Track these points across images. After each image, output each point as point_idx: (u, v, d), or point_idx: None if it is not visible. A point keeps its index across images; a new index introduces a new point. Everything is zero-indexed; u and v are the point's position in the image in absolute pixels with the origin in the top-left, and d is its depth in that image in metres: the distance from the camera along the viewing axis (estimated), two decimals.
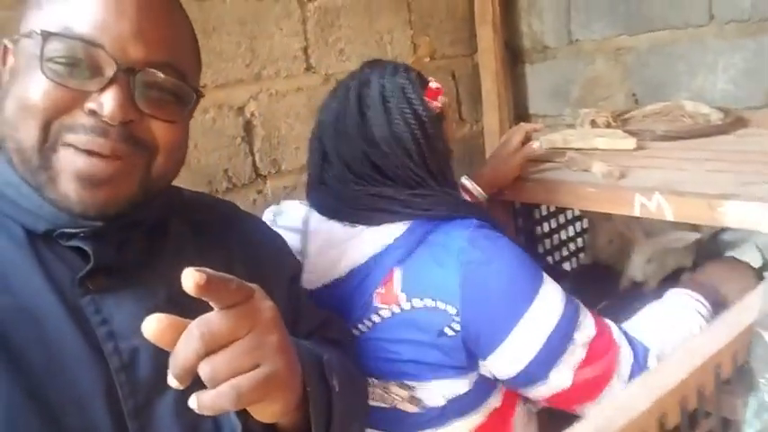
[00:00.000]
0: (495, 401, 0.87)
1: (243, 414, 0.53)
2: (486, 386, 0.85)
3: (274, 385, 0.48)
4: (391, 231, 0.82)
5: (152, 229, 0.64)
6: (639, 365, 0.80)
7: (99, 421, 0.53)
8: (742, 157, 1.00)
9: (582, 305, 0.83)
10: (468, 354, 0.80)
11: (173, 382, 0.45)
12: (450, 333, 0.79)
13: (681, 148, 1.12)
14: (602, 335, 0.81)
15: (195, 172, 1.19)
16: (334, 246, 0.85)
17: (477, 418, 0.85)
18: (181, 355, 0.44)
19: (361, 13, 1.45)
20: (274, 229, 0.86)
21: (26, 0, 0.59)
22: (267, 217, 0.97)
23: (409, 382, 0.82)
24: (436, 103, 0.89)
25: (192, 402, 0.45)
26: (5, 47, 0.59)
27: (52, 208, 0.56)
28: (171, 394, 0.57)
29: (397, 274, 0.80)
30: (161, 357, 0.55)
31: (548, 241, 1.39)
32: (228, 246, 0.69)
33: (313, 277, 0.86)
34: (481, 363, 0.82)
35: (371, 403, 0.84)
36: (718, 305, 0.87)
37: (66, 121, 0.54)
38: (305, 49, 1.36)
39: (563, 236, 1.43)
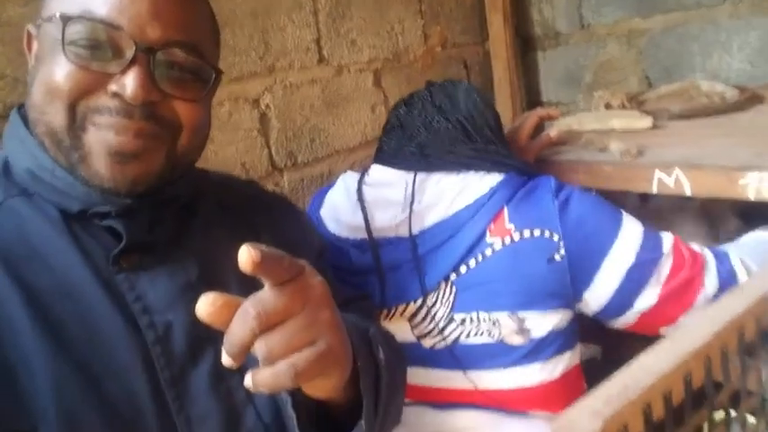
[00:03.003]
0: (575, 358, 0.96)
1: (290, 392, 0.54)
2: (575, 329, 0.94)
3: (330, 361, 0.48)
4: (492, 178, 0.93)
5: (181, 208, 0.66)
6: (725, 266, 0.88)
7: (139, 390, 0.55)
8: (760, 132, 1.00)
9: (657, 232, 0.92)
10: (573, 278, 0.89)
11: (227, 360, 0.44)
12: (558, 258, 0.88)
13: (698, 126, 1.11)
14: (680, 242, 0.90)
15: (212, 165, 1.19)
16: (442, 192, 0.94)
17: (569, 358, 0.93)
18: (237, 335, 0.44)
19: (371, 4, 1.46)
20: (364, 186, 0.99)
21: None
22: (350, 177, 1.04)
23: (519, 313, 0.89)
24: None
25: (248, 381, 0.45)
26: (29, 33, 0.61)
27: (85, 188, 0.58)
28: (205, 365, 0.59)
29: (505, 211, 0.90)
30: (194, 331, 0.58)
31: None
32: (255, 224, 0.71)
33: (421, 220, 0.94)
34: (584, 290, 0.89)
35: (475, 340, 0.90)
36: None
37: (91, 102, 0.56)
38: (317, 41, 1.37)
39: None
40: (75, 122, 0.56)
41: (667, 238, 0.90)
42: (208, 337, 0.58)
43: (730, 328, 0.57)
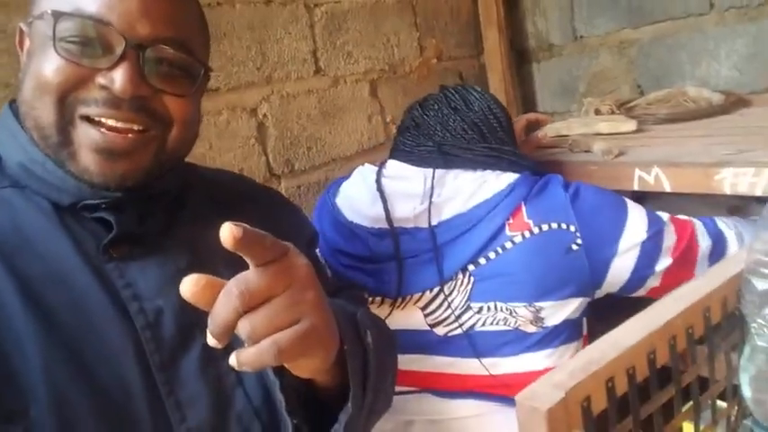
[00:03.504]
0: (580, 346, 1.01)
1: (279, 371, 0.55)
2: (582, 321, 0.99)
3: (313, 340, 0.48)
4: (508, 177, 0.98)
5: (171, 201, 0.67)
6: (710, 227, 0.96)
7: (129, 374, 0.56)
8: (740, 132, 1.02)
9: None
10: (591, 264, 0.93)
11: (211, 340, 0.45)
12: (576, 248, 0.93)
13: (682, 128, 1.14)
14: (673, 214, 0.97)
15: None
16: (461, 187, 0.99)
17: (578, 345, 0.98)
18: (220, 314, 0.44)
19: (366, 16, 1.50)
20: (383, 178, 1.02)
21: None
22: (368, 169, 1.08)
23: (537, 303, 0.93)
24: None
25: (232, 360, 0.45)
26: (21, 30, 0.63)
27: (75, 182, 0.59)
28: (195, 350, 0.60)
29: (523, 207, 0.95)
30: (184, 317, 0.59)
31: None
32: (246, 215, 0.72)
33: (440, 211, 0.98)
34: (605, 275, 0.95)
35: (491, 328, 0.94)
36: None
37: (80, 95, 0.57)
38: (314, 53, 1.41)
39: None
40: (64, 117, 0.57)
41: (662, 213, 0.97)
42: (197, 323, 0.58)
43: (696, 309, 0.59)
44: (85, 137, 0.58)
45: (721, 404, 0.66)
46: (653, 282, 0.96)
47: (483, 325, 0.95)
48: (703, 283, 0.61)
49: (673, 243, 0.95)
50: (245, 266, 0.46)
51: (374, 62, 1.53)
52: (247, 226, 0.43)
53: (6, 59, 1.00)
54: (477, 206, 0.96)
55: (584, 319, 1.00)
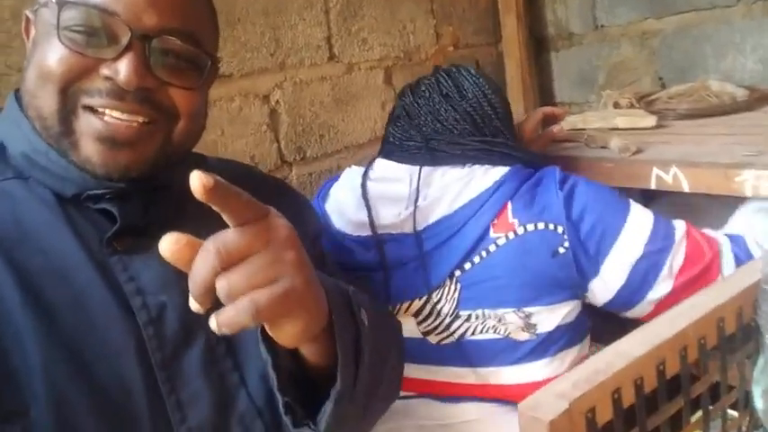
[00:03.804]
0: (584, 348, 0.95)
1: (271, 349, 0.53)
2: (583, 323, 0.94)
3: (294, 301, 0.46)
4: (497, 172, 0.93)
5: (177, 193, 0.64)
6: (741, 249, 0.87)
7: (129, 372, 0.55)
8: (763, 131, 0.99)
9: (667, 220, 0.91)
10: (579, 271, 0.88)
11: (193, 305, 0.44)
12: (562, 251, 0.87)
13: (703, 125, 1.11)
14: (693, 229, 0.88)
15: (222, 157, 1.23)
16: (447, 187, 0.94)
17: (576, 352, 0.93)
18: (198, 273, 0.43)
19: (382, 3, 1.48)
20: (369, 181, 0.99)
21: None
22: (355, 171, 1.04)
23: (525, 308, 0.89)
24: None
25: (212, 323, 0.43)
26: (27, 18, 0.62)
27: (79, 172, 0.58)
28: (198, 348, 0.59)
29: (509, 206, 0.90)
30: (188, 313, 0.56)
31: None
32: None
33: (425, 216, 0.93)
34: (591, 281, 0.88)
35: (482, 336, 0.89)
36: None
37: (83, 85, 0.56)
38: (328, 39, 1.39)
39: None
40: (66, 107, 0.56)
41: (680, 226, 0.89)
42: (201, 320, 0.55)
43: (709, 319, 0.58)
44: (87, 126, 0.57)
45: (732, 414, 0.65)
46: (643, 309, 0.89)
47: (473, 333, 0.91)
48: (718, 292, 0.59)
49: (679, 266, 0.85)
50: None
51: (389, 49, 1.51)
52: (221, 179, 0.42)
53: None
54: (462, 207, 0.91)
55: (586, 319, 0.95)
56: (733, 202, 0.98)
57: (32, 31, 0.61)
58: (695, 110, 1.19)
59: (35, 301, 0.54)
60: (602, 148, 1.04)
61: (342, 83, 1.42)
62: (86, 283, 0.56)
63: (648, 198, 1.28)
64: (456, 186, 0.93)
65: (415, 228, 0.92)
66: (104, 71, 0.56)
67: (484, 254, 0.89)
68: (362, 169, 1.03)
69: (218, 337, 0.59)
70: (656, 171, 0.91)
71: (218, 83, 1.22)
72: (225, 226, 0.46)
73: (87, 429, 0.52)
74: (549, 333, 0.90)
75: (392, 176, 0.99)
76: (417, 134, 0.98)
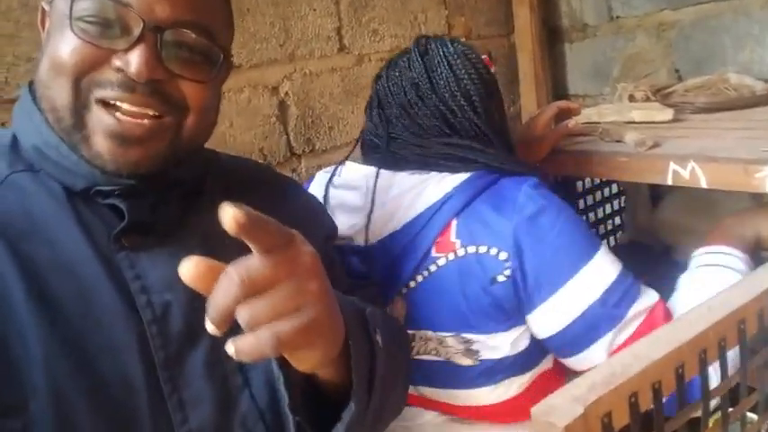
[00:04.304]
0: (547, 363, 0.88)
1: (283, 366, 0.53)
2: (540, 348, 0.86)
3: (315, 331, 0.46)
4: (450, 182, 0.84)
5: (187, 190, 0.65)
6: None
7: (132, 370, 0.55)
8: None
9: (641, 281, 0.81)
10: (519, 303, 0.80)
11: (210, 327, 0.43)
12: (502, 279, 0.79)
13: (721, 119, 1.08)
14: (661, 307, 0.79)
15: (231, 150, 1.22)
16: (395, 198, 0.86)
17: (528, 377, 0.86)
18: (219, 300, 0.42)
19: None
20: (331, 188, 0.92)
21: None
22: (322, 177, 0.98)
23: (465, 335, 0.82)
24: (493, 70, 0.93)
25: (229, 348, 0.42)
26: (43, 9, 0.62)
27: (89, 167, 0.57)
28: (202, 348, 0.58)
29: (454, 224, 0.82)
30: (193, 312, 0.57)
31: (590, 215, 1.37)
32: (263, 206, 0.70)
33: (377, 229, 0.87)
34: (527, 316, 0.81)
35: (425, 357, 0.84)
36: (750, 246, 0.84)
37: (95, 77, 0.56)
38: (338, 30, 1.37)
39: (603, 212, 1.40)
40: (79, 100, 0.56)
41: (645, 300, 0.79)
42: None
43: (730, 321, 0.56)
44: (99, 122, 0.56)
45: (752, 417, 0.63)
46: (572, 365, 0.81)
47: (418, 353, 0.85)
48: (738, 293, 0.57)
49: (620, 343, 0.77)
50: None
51: (400, 40, 1.49)
52: (250, 209, 0.41)
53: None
54: (412, 221, 0.83)
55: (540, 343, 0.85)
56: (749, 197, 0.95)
57: (47, 23, 0.61)
58: (713, 103, 1.16)
59: (39, 295, 0.53)
60: (617, 142, 1.02)
61: (352, 74, 1.40)
62: (92, 278, 0.56)
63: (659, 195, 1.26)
64: (409, 196, 0.85)
65: (366, 241, 0.86)
66: (116, 62, 0.56)
67: (426, 273, 0.83)
68: (329, 174, 0.97)
69: (222, 339, 0.58)
70: (672, 166, 0.89)
71: None
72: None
73: (87, 426, 0.52)
74: (495, 361, 0.83)
75: (351, 183, 0.92)
76: (383, 130, 0.90)
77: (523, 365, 0.85)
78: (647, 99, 1.26)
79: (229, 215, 0.40)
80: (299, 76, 1.32)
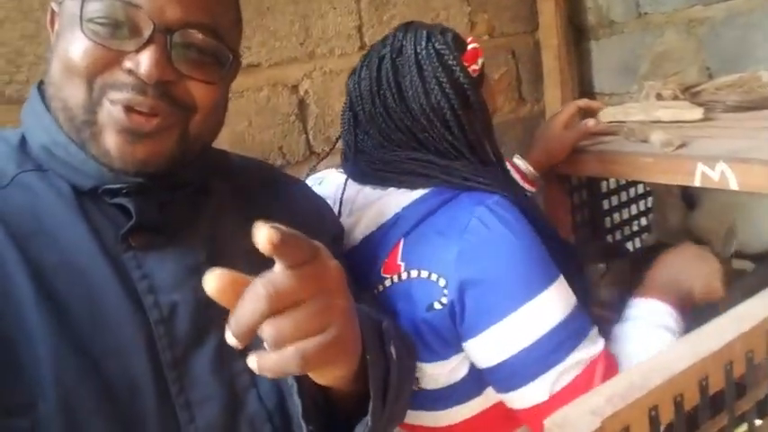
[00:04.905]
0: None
1: (297, 375, 0.53)
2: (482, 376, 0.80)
3: (340, 350, 0.45)
4: (405, 199, 0.79)
5: (195, 190, 0.65)
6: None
7: (139, 370, 0.55)
8: None
9: (591, 328, 0.76)
10: (456, 331, 0.76)
11: (232, 340, 0.42)
12: (438, 306, 0.74)
13: (753, 118, 1.05)
14: (602, 360, 0.75)
15: (250, 149, 1.22)
16: (356, 212, 0.84)
17: (477, 404, 0.81)
18: (245, 315, 0.41)
19: None
20: None
21: None
22: (311, 184, 0.96)
23: None
24: (475, 67, 0.83)
25: (252, 363, 0.42)
26: (52, 10, 0.62)
27: (97, 166, 0.58)
28: (209, 348, 0.58)
29: (401, 244, 0.78)
30: (200, 312, 0.57)
31: (615, 216, 1.34)
32: (269, 207, 0.70)
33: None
34: (464, 343, 0.77)
35: None
36: (684, 300, 0.85)
37: (107, 78, 0.56)
38: (359, 28, 1.36)
39: (628, 213, 1.36)
40: (92, 98, 0.57)
41: (591, 347, 0.74)
42: (213, 320, 0.56)
43: (758, 331, 0.53)
44: (110, 117, 0.57)
45: None
46: (513, 402, 0.76)
47: None
48: (766, 304, 0.55)
49: (561, 388, 0.72)
50: (266, 261, 0.43)
51: None
52: (283, 228, 0.40)
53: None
54: (366, 238, 0.80)
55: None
56: None
57: (56, 24, 0.61)
58: (745, 102, 1.12)
59: (47, 295, 0.53)
60: (643, 141, 0.99)
61: None
62: (99, 278, 0.56)
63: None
64: (369, 211, 0.81)
65: None
66: (127, 64, 0.56)
67: (375, 293, 0.79)
68: (313, 181, 0.94)
69: None
70: (701, 167, 0.86)
71: (246, 72, 1.22)
72: (243, 225, 0.44)
73: (94, 425, 0.52)
74: (434, 390, 0.79)
75: (326, 192, 0.88)
76: (352, 138, 0.85)
77: (468, 393, 0.80)
78: (676, 97, 1.22)
79: (264, 236, 0.39)
80: (318, 74, 1.31)
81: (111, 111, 0.57)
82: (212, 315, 0.55)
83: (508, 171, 0.93)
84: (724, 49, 1.47)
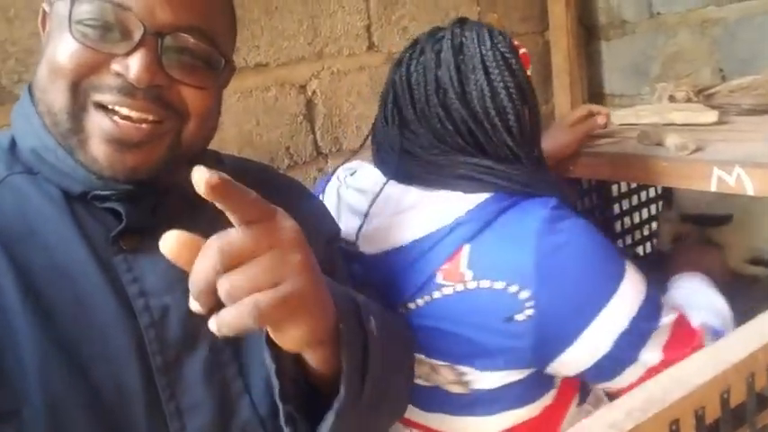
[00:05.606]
0: (548, 398, 0.80)
1: (275, 356, 0.52)
2: (541, 382, 0.79)
3: (298, 305, 0.45)
4: (463, 205, 0.76)
5: (186, 192, 0.64)
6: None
7: (128, 376, 0.53)
8: None
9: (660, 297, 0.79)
10: (537, 346, 0.73)
11: (193, 305, 0.42)
12: (521, 318, 0.71)
13: None
14: (682, 317, 0.77)
15: (257, 149, 1.21)
16: (402, 212, 0.80)
17: (526, 411, 0.79)
18: (199, 272, 0.42)
19: None
20: (343, 186, 0.88)
21: None
22: (340, 174, 0.94)
23: (461, 367, 0.76)
24: (528, 72, 0.81)
25: (212, 324, 0.42)
26: (44, 11, 0.61)
27: (85, 172, 0.56)
28: (201, 353, 0.57)
29: (465, 251, 0.73)
30: (191, 316, 0.54)
31: (625, 220, 1.32)
32: None
33: (374, 242, 0.81)
34: (554, 360, 0.74)
35: (417, 381, 0.79)
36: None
37: (94, 81, 0.55)
38: (367, 27, 1.35)
39: (639, 217, 1.35)
40: (77, 103, 0.55)
41: (669, 313, 0.76)
42: (205, 325, 0.55)
43: None
44: (97, 126, 0.55)
45: None
46: (630, 375, 0.75)
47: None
48: None
49: (664, 342, 0.74)
50: None
51: None
52: (225, 175, 0.41)
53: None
54: (414, 242, 0.76)
55: (543, 377, 0.78)
56: None
57: (48, 26, 0.59)
58: (760, 105, 1.10)
59: (35, 299, 0.52)
60: (657, 145, 0.97)
61: (381, 73, 1.37)
62: (89, 281, 0.55)
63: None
64: (412, 213, 0.78)
65: (357, 247, 0.81)
66: (115, 67, 0.54)
67: (428, 298, 0.76)
68: (345, 171, 0.91)
69: (222, 343, 0.58)
70: (717, 172, 0.84)
71: (253, 72, 1.21)
72: (231, 227, 0.44)
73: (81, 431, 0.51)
74: (487, 391, 0.77)
75: (361, 186, 0.85)
76: (397, 136, 0.80)
77: (522, 399, 0.78)
78: (689, 100, 1.20)
79: (200, 176, 0.40)
80: (326, 74, 1.30)
81: (98, 119, 0.55)
82: (204, 319, 0.54)
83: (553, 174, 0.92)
84: (738, 50, 1.45)
